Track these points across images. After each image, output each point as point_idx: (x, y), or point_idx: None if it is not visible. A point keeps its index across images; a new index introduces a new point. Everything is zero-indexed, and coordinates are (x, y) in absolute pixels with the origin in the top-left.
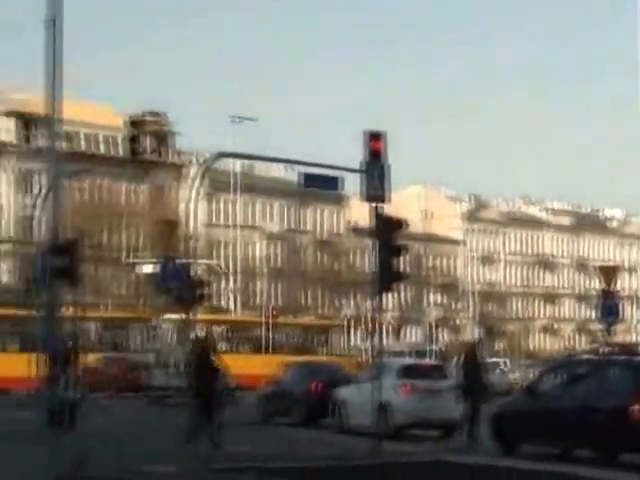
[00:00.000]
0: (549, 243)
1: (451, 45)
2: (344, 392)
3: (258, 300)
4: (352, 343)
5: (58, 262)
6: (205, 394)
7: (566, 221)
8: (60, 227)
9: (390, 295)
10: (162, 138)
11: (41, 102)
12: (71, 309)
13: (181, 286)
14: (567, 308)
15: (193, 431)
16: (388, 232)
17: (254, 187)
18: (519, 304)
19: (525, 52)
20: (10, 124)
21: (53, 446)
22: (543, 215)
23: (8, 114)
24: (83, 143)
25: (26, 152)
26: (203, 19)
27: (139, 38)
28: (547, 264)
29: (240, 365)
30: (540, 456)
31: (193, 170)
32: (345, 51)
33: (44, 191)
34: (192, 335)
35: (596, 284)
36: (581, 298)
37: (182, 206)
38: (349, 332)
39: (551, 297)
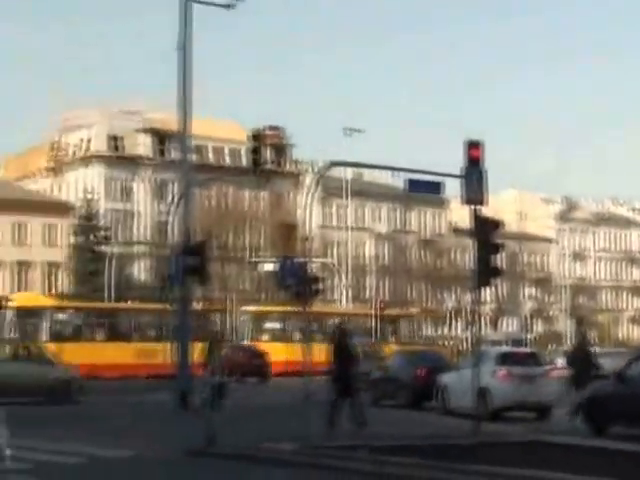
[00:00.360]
0: (636, 240)
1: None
2: (446, 377)
3: (367, 294)
4: (423, 333)
5: (190, 262)
6: (344, 378)
7: None
8: (191, 230)
9: (488, 289)
10: (281, 150)
11: (174, 120)
12: (201, 303)
13: (298, 282)
14: None
15: (334, 412)
16: (486, 232)
17: (363, 192)
18: (608, 297)
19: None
20: (147, 140)
21: (184, 423)
22: (630, 214)
23: (145, 131)
24: (211, 155)
25: (161, 164)
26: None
27: (262, 61)
28: (634, 260)
29: None
30: (627, 437)
31: (308, 178)
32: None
33: (177, 198)
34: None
35: None
36: None
37: (299, 210)
38: (449, 323)
39: (638, 290)
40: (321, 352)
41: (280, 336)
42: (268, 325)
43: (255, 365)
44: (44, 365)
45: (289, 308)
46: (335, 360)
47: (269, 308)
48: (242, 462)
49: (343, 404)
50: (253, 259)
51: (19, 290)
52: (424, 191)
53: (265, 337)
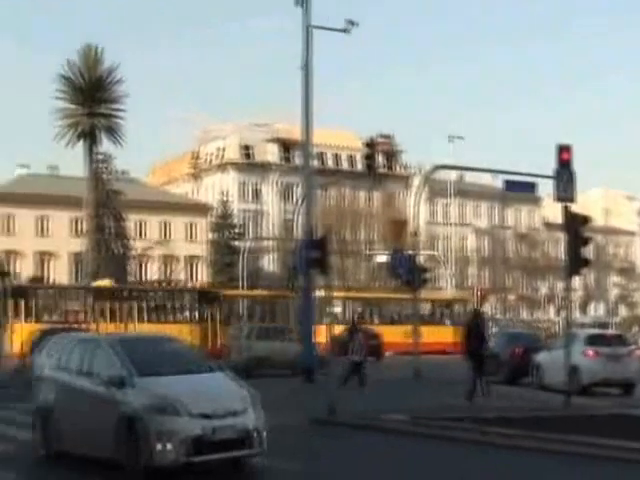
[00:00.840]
0: None
1: None
2: (540, 356)
3: (469, 283)
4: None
5: (313, 254)
6: (476, 355)
7: None
8: (313, 227)
9: (578, 278)
10: (391, 155)
11: (298, 130)
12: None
13: (408, 272)
14: None
15: (474, 387)
16: (576, 226)
17: (465, 192)
18: None
19: None
20: (274, 148)
21: (309, 396)
22: None
23: (273, 140)
24: (330, 161)
25: (286, 170)
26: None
27: (374, 77)
28: None
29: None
30: None
31: (416, 180)
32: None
33: (300, 199)
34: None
35: None
36: None
37: (408, 209)
38: (543, 308)
39: None
40: (428, 334)
41: (391, 319)
42: (381, 309)
43: (371, 345)
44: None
45: (399, 295)
46: (467, 340)
47: (382, 295)
48: (359, 430)
49: (476, 378)
50: (368, 252)
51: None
52: (520, 190)
53: (377, 320)
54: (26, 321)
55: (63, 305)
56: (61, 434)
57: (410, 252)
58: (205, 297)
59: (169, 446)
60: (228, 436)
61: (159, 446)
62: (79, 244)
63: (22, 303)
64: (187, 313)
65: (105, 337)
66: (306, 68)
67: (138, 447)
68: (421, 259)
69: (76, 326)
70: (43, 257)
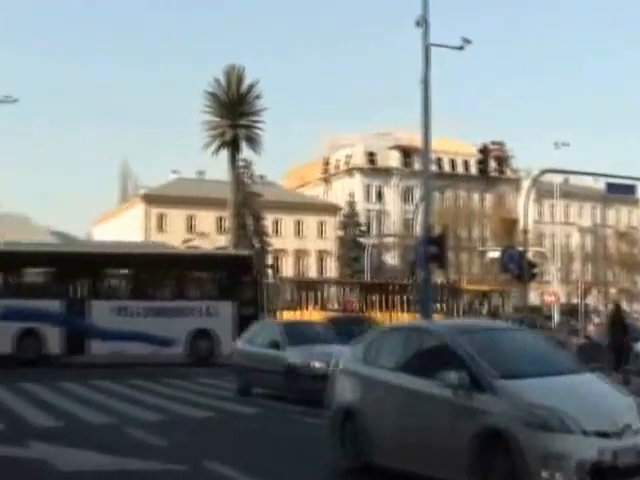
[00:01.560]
0: None
1: None
2: None
3: (574, 277)
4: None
5: (432, 250)
6: (617, 346)
7: None
8: (431, 225)
9: None
10: (503, 160)
11: (417, 138)
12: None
13: (518, 267)
14: None
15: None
16: None
17: (570, 194)
18: None
19: None
20: (396, 155)
21: None
22: None
23: (394, 148)
24: (447, 166)
25: (407, 174)
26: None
27: (487, 87)
28: None
29: None
30: None
31: (526, 182)
32: None
33: (419, 200)
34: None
35: None
36: None
37: (518, 209)
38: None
39: None
40: None
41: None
42: (492, 301)
43: None
44: None
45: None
46: (611, 332)
47: (493, 287)
48: None
49: (617, 368)
50: (481, 248)
51: (298, 273)
52: (620, 192)
53: (484, 310)
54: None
55: (341, 296)
56: (374, 443)
57: (520, 248)
58: (454, 291)
59: (558, 475)
60: (631, 461)
61: (545, 474)
62: (223, 240)
63: (312, 294)
64: (438, 305)
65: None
66: (425, 82)
67: (510, 472)
68: (530, 255)
69: (354, 315)
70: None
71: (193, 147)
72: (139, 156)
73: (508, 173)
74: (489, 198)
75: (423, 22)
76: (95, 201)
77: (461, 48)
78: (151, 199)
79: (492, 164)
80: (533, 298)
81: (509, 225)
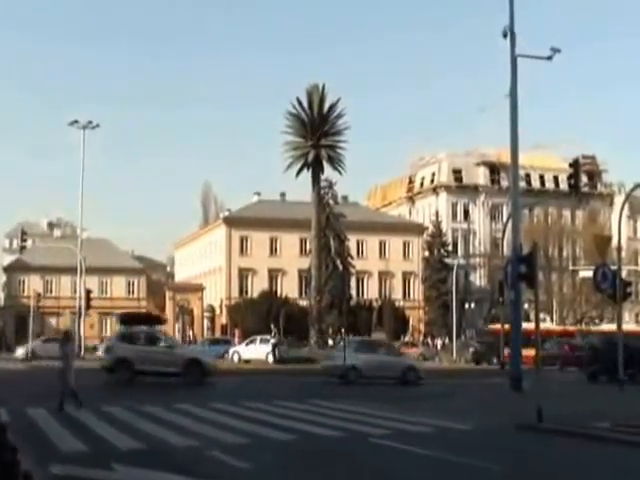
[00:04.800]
0: None
1: None
2: None
3: None
4: None
5: (521, 269)
6: None
7: None
8: (520, 244)
9: None
10: (594, 174)
11: (504, 153)
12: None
13: (612, 286)
14: None
15: None
16: None
17: None
18: None
19: None
20: (483, 171)
21: (516, 403)
22: None
23: (480, 164)
24: (536, 182)
25: (494, 191)
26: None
27: (573, 100)
28: None
29: None
30: None
31: (619, 198)
32: None
33: (508, 218)
34: None
35: None
36: None
37: (611, 225)
38: None
39: None
40: None
41: None
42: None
43: (575, 357)
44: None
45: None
46: None
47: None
48: (564, 437)
49: None
50: (572, 267)
51: (380, 295)
52: None
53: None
54: None
55: None
56: None
57: (613, 267)
58: None
59: None
60: None
61: None
62: (306, 262)
63: None
64: None
65: None
66: (513, 95)
67: None
68: (624, 273)
69: None
70: (274, 273)
71: (275, 168)
72: (221, 178)
73: (600, 188)
74: (580, 215)
75: (509, 33)
76: (176, 224)
77: (550, 58)
78: (233, 222)
79: (583, 179)
80: (627, 318)
81: (602, 242)
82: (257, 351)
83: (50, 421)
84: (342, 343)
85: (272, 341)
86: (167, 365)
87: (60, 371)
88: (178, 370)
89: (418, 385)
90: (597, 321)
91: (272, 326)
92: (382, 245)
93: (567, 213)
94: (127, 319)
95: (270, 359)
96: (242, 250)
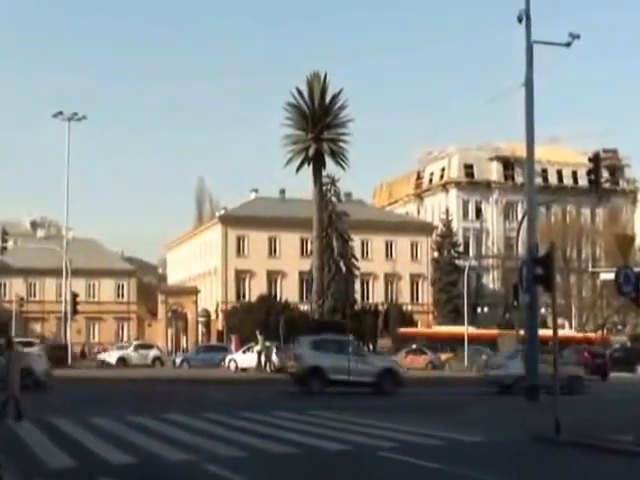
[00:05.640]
0: None
1: None
2: None
3: None
4: None
5: (537, 272)
6: None
7: None
8: (536, 244)
9: None
10: (616, 170)
11: (519, 147)
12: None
13: (635, 290)
14: None
15: None
16: None
17: None
18: None
19: None
20: (496, 166)
21: (532, 414)
22: None
23: (493, 159)
24: (553, 178)
25: (508, 187)
26: None
27: (593, 88)
28: None
29: None
30: None
31: None
32: None
33: (523, 217)
34: None
35: None
36: None
37: (634, 224)
38: None
39: None
40: None
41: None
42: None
43: (597, 364)
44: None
45: None
46: None
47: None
48: (583, 450)
49: None
50: (592, 269)
51: (387, 299)
52: None
53: None
54: None
55: None
56: None
57: (637, 269)
58: None
59: None
60: None
61: None
62: (307, 264)
63: None
64: None
65: None
66: (528, 84)
67: None
68: None
69: None
70: (273, 276)
71: (273, 163)
72: (216, 174)
73: (622, 184)
74: (601, 213)
75: (525, 18)
76: (169, 224)
77: (568, 45)
78: (229, 221)
79: (604, 174)
80: None
81: (625, 243)
82: (255, 359)
83: (93, 436)
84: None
85: (257, 348)
86: (361, 375)
87: (1, 380)
88: (373, 380)
89: (427, 395)
90: (619, 327)
91: (257, 333)
92: (388, 245)
93: (586, 211)
94: (313, 327)
95: (269, 367)
96: (239, 251)
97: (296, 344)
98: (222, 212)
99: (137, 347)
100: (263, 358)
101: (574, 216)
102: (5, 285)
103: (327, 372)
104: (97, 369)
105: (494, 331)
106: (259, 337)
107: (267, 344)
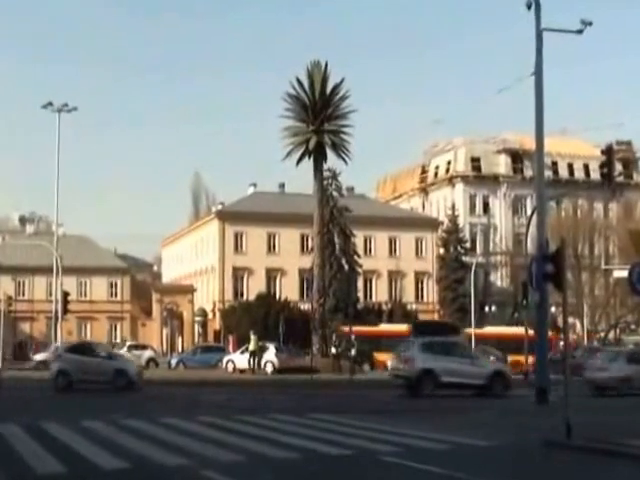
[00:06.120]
0: None
1: None
2: None
3: None
4: None
5: (547, 269)
6: None
7: None
8: (546, 240)
9: None
10: (630, 162)
11: (528, 139)
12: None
13: None
14: None
15: None
16: None
17: None
18: None
19: None
20: (504, 159)
21: (541, 416)
22: None
23: (501, 151)
24: (563, 171)
25: (517, 181)
26: None
27: (607, 77)
28: None
29: None
30: None
31: None
32: None
33: (532, 212)
34: None
35: None
36: None
37: None
38: None
39: None
40: None
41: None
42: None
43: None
44: None
45: None
46: None
47: None
48: (597, 455)
49: None
50: (605, 266)
51: (390, 297)
52: None
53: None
54: None
55: None
56: None
57: None
58: None
59: None
60: None
61: None
62: (307, 261)
63: None
64: None
65: None
66: (538, 73)
67: None
68: None
69: None
70: (272, 273)
71: (272, 157)
72: (213, 169)
73: (636, 178)
74: (614, 208)
75: (534, 4)
76: (164, 220)
77: (580, 32)
78: (227, 216)
79: (617, 167)
80: None
81: (638, 238)
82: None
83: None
84: None
85: (250, 348)
86: (472, 377)
87: None
88: (483, 382)
89: (427, 397)
90: (633, 326)
91: (251, 333)
92: (392, 242)
93: (599, 206)
94: (422, 328)
95: (269, 369)
96: (237, 248)
97: (405, 346)
98: (219, 207)
99: (131, 348)
100: (256, 359)
101: (586, 211)
102: None
103: (439, 375)
104: None
105: None
106: (252, 337)
107: (260, 344)
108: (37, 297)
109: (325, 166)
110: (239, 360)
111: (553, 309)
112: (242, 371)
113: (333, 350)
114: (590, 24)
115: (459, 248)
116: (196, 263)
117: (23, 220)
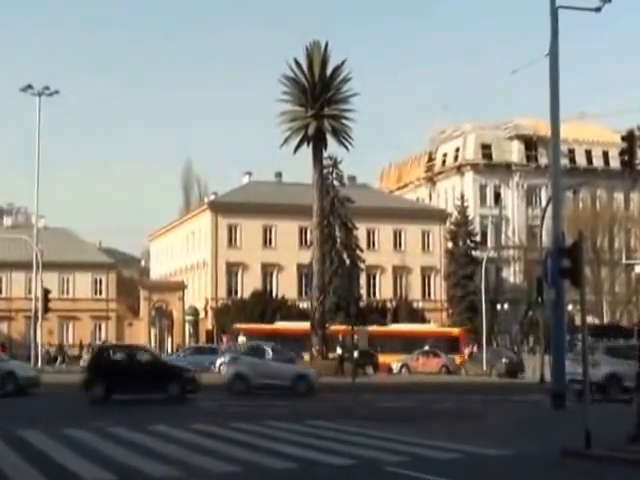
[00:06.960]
0: None
1: None
2: None
3: None
4: None
5: (563, 264)
6: None
7: None
8: (562, 233)
9: None
10: None
11: (542, 125)
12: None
13: None
14: None
15: None
16: None
17: None
18: None
19: None
20: (517, 146)
21: (558, 423)
22: None
23: (514, 138)
24: (580, 158)
25: (530, 170)
26: None
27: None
28: None
29: None
30: None
31: None
32: None
33: (547, 203)
34: None
35: None
36: None
37: None
38: None
39: None
40: None
41: None
42: None
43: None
44: None
45: None
46: None
47: None
48: (619, 465)
49: None
50: (626, 261)
51: (395, 295)
52: None
53: None
54: None
55: None
56: None
57: None
58: None
59: None
60: None
61: None
62: (306, 255)
63: None
64: None
65: None
66: (553, 54)
67: None
68: None
69: None
70: (268, 269)
71: (269, 144)
72: (205, 156)
73: None
74: (635, 198)
75: None
76: (152, 211)
77: (598, 10)
78: (220, 207)
79: (639, 154)
80: None
81: None
82: None
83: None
84: None
85: (241, 348)
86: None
87: None
88: None
89: (436, 402)
90: None
91: (241, 334)
92: (397, 235)
93: (619, 196)
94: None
95: None
96: (230, 241)
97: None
98: (212, 198)
99: None
100: None
101: (605, 202)
102: None
103: (624, 379)
104: (72, 374)
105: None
106: (242, 337)
107: (255, 345)
108: (15, 295)
109: (325, 154)
110: None
111: (570, 307)
112: None
113: (339, 351)
114: (609, 1)
115: (469, 242)
116: (187, 258)
117: (0, 212)
